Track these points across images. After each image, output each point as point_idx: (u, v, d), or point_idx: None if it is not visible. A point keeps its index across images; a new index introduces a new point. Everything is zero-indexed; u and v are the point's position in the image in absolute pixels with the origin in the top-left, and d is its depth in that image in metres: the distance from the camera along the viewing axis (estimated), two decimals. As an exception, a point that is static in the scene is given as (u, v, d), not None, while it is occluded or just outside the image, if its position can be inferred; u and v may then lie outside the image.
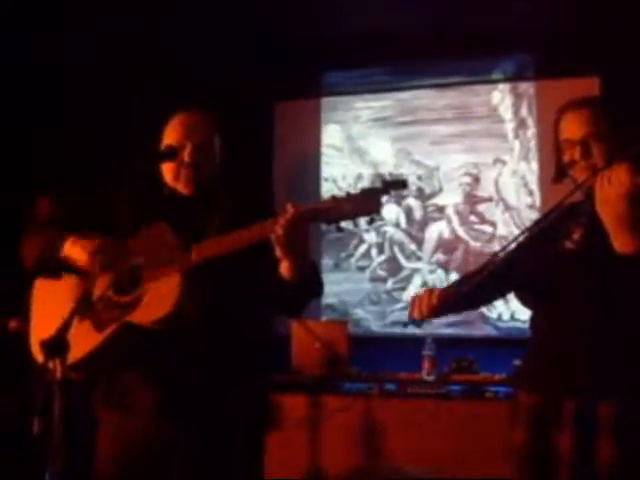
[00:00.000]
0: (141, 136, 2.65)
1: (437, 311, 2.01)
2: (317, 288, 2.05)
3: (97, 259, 1.93)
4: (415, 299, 2.04)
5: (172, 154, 2.06)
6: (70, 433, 1.56)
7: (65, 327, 1.62)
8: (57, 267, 2.05)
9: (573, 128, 1.98)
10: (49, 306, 2.05)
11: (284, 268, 1.89)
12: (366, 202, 1.73)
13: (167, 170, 2.10)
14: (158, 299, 1.88)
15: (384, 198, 1.73)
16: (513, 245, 2.02)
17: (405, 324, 2.07)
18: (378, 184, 1.76)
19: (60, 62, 4.37)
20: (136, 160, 2.06)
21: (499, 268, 2.01)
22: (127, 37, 4.33)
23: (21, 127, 4.42)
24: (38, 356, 1.97)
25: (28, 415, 1.56)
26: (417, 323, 2.03)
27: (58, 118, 4.54)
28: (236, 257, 1.84)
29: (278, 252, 1.84)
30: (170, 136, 2.11)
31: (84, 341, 1.91)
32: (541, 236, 2.02)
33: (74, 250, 2.00)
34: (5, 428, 3.57)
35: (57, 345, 1.57)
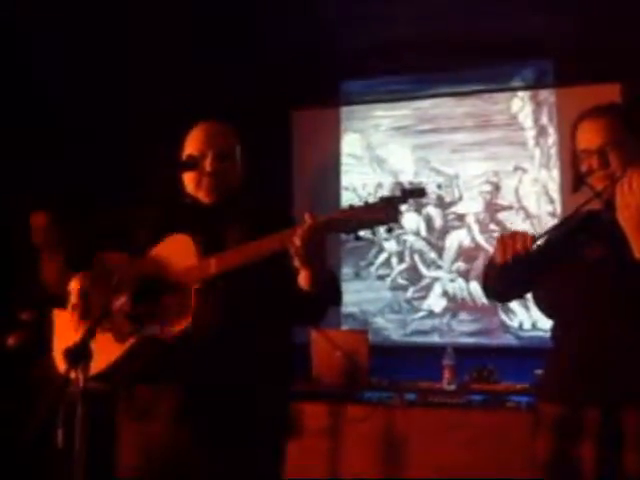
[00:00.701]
0: (158, 146, 2.67)
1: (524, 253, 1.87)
2: (336, 297, 2.05)
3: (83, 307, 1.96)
4: (506, 239, 1.91)
5: (194, 164, 2.08)
6: (92, 444, 1.57)
7: (88, 335, 1.64)
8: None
9: (589, 138, 1.97)
10: (71, 320, 2.06)
11: (302, 278, 1.89)
12: (384, 211, 1.71)
13: (188, 179, 2.11)
14: (177, 311, 1.89)
15: (403, 207, 1.72)
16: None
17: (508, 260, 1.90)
18: (397, 192, 1.74)
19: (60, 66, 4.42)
20: (156, 170, 2.08)
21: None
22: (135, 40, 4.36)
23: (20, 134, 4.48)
24: (60, 366, 1.99)
25: (50, 426, 1.57)
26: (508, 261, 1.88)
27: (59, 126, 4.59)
28: (255, 267, 1.84)
29: (296, 262, 1.83)
30: (191, 146, 2.12)
31: (106, 353, 1.93)
32: (560, 244, 2.01)
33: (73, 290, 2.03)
34: (28, 439, 3.59)
35: (80, 353, 1.59)
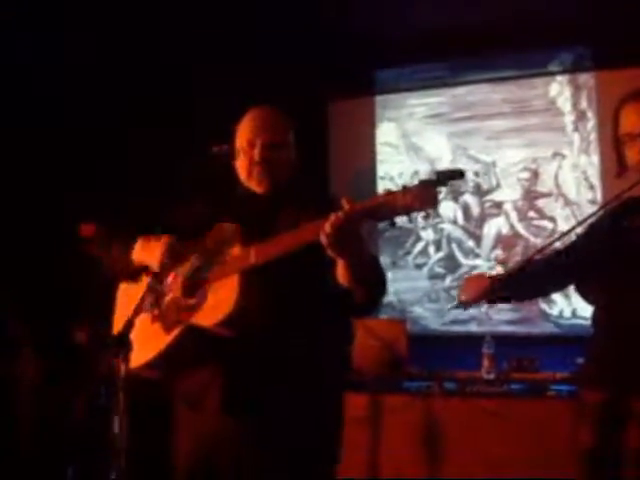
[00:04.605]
0: (206, 136, 2.68)
1: (486, 294, 1.99)
2: (378, 291, 1.95)
3: (163, 261, 1.96)
4: (465, 282, 2.02)
5: (226, 155, 2.08)
6: (149, 430, 1.58)
7: (128, 325, 1.65)
8: (134, 271, 2.09)
9: (633, 121, 1.94)
10: (127, 308, 2.08)
11: (339, 270, 1.83)
12: (422, 196, 1.61)
13: (241, 169, 2.10)
14: (219, 300, 1.89)
15: (441, 190, 1.63)
16: (572, 236, 1.98)
17: (452, 307, 2.09)
18: (434, 176, 1.64)
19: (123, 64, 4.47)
20: (209, 159, 2.08)
21: (558, 258, 1.97)
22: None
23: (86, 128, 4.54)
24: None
25: (94, 413, 1.60)
26: (464, 306, 2.04)
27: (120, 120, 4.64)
28: (297, 256, 1.80)
29: (329, 252, 1.75)
30: (242, 135, 2.10)
31: (155, 342, 1.96)
32: (601, 229, 1.99)
33: (142, 254, 2.06)
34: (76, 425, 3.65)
35: (119, 342, 1.61)
